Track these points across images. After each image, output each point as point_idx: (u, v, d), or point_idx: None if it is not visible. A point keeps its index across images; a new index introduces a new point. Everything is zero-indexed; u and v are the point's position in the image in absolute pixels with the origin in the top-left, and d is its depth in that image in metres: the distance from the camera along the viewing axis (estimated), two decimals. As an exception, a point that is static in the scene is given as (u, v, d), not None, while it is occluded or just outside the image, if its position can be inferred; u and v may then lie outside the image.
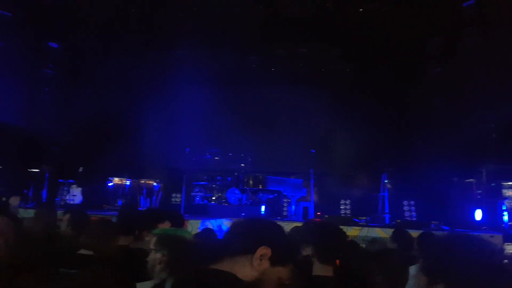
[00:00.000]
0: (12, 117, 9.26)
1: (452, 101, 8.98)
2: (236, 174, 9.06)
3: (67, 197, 8.72)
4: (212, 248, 1.36)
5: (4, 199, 6.20)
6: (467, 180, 8.39)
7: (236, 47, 10.12)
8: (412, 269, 2.06)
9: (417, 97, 9.43)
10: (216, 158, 9.20)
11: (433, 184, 8.46)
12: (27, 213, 6.44)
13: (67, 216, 3.43)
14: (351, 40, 9.26)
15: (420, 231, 5.43)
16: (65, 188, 8.89)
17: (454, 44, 8.81)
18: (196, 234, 3.88)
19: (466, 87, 8.54)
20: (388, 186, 7.90)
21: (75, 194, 8.69)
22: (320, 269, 2.31)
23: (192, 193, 9.29)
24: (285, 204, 9.36)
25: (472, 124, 8.16)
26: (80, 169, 8.82)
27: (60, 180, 8.94)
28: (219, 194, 9.21)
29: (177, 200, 9.67)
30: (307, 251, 2.44)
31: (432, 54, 9.19)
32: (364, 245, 3.94)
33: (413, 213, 8.74)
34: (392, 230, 4.62)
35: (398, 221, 7.76)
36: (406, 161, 9.10)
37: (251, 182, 8.60)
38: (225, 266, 1.29)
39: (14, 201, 5.31)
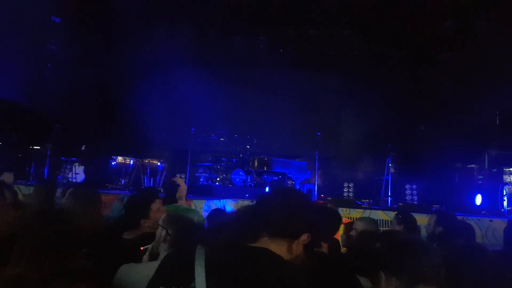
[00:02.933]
0: (14, 94, 9.15)
1: (457, 86, 8.96)
2: (241, 155, 9.05)
3: (70, 175, 8.71)
4: (250, 226, 1.33)
5: None
6: (469, 166, 8.45)
7: (244, 28, 9.97)
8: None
9: (423, 82, 9.40)
10: (221, 139, 9.16)
11: (436, 168, 8.53)
12: (28, 191, 6.45)
13: (76, 192, 3.36)
14: (359, 22, 9.14)
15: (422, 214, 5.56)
16: (68, 166, 8.87)
17: (463, 29, 8.72)
18: (210, 213, 3.92)
19: (471, 73, 8.51)
20: (392, 170, 7.95)
21: (78, 173, 8.68)
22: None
23: (197, 174, 9.30)
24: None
25: (476, 110, 8.16)
26: (83, 147, 8.78)
27: (63, 158, 8.91)
28: (224, 175, 9.22)
29: (181, 180, 9.66)
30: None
31: (440, 38, 9.09)
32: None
33: (415, 197, 8.85)
34: (395, 212, 4.68)
35: (400, 204, 7.87)
36: (410, 146, 9.14)
37: (256, 163, 8.62)
38: (261, 245, 1.29)
39: (7, 177, 5.01)
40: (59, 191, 4.23)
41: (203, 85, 9.30)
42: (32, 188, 6.54)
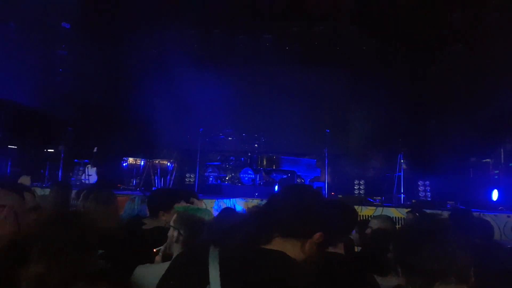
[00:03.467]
0: (27, 99, 9.33)
1: (471, 80, 8.76)
2: (249, 154, 9.05)
3: (83, 177, 8.84)
4: (262, 227, 1.31)
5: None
6: (484, 160, 8.27)
7: (251, 26, 9.94)
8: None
9: (434, 75, 9.23)
10: (229, 138, 9.18)
11: (450, 164, 8.37)
12: (43, 193, 6.56)
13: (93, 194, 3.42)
14: (367, 17, 9.02)
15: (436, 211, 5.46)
16: (81, 168, 9.01)
17: (475, 20, 8.53)
18: (220, 212, 3.92)
19: (484, 65, 8.31)
20: (404, 166, 7.83)
21: (91, 174, 8.79)
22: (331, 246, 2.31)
23: (206, 173, 9.34)
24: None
25: (490, 103, 7.98)
26: (95, 149, 8.90)
27: (76, 160, 9.05)
28: (233, 174, 9.23)
29: (191, 180, 9.74)
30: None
31: (451, 31, 8.91)
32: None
33: (428, 193, 8.71)
34: (408, 210, 4.60)
35: (414, 201, 7.75)
36: (422, 141, 8.98)
37: (264, 162, 8.59)
38: (277, 246, 1.27)
39: (24, 180, 5.09)
40: (74, 192, 4.31)
41: (211, 85, 9.32)
42: (47, 190, 6.66)
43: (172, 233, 2.19)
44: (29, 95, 9.26)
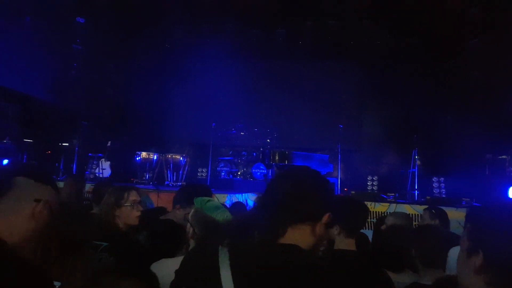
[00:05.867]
0: (43, 93, 9.47)
1: (487, 74, 8.58)
2: (261, 149, 9.03)
3: (97, 171, 8.94)
4: (273, 220, 1.26)
5: None
6: (501, 157, 8.11)
7: (263, 20, 9.89)
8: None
9: (449, 70, 9.07)
10: (241, 133, 9.17)
11: (465, 160, 8.23)
12: (59, 186, 6.66)
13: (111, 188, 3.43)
14: (380, 11, 8.89)
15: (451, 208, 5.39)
16: (95, 162, 9.12)
17: (492, 15, 8.33)
18: (231, 207, 3.93)
19: (502, 60, 8.12)
20: (418, 162, 7.73)
21: (104, 168, 8.89)
22: (342, 243, 2.28)
23: (218, 168, 9.36)
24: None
25: (507, 99, 7.81)
26: (109, 143, 8.99)
27: (90, 154, 9.16)
28: (245, 169, 9.23)
29: (203, 174, 9.78)
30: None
31: (467, 24, 8.72)
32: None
33: (443, 190, 8.58)
34: (425, 207, 4.54)
35: (428, 197, 7.65)
36: (437, 137, 8.83)
37: (276, 157, 8.57)
38: (288, 237, 1.24)
39: None
40: (88, 186, 4.36)
41: (223, 80, 9.32)
42: (61, 183, 6.75)
43: (188, 229, 2.19)
44: (45, 89, 9.41)
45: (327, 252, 2.38)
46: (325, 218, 1.26)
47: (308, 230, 1.25)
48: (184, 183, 8.31)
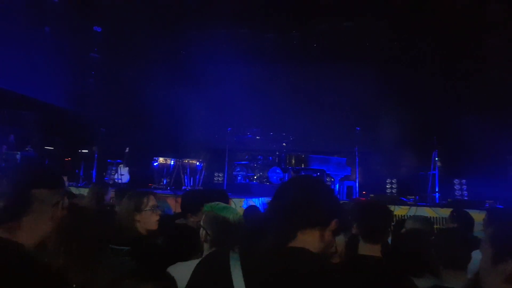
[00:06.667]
0: (62, 101, 9.69)
1: (508, 74, 8.34)
2: (277, 153, 9.00)
3: (115, 176, 9.06)
4: (283, 224, 1.30)
5: None
6: (524, 158, 7.87)
7: (276, 24, 9.88)
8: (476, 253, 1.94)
9: (471, 70, 8.85)
10: (257, 137, 9.17)
11: (487, 162, 8.02)
12: (78, 192, 6.77)
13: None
14: (396, 11, 8.76)
15: (474, 211, 5.22)
16: (113, 168, 9.25)
17: (511, 13, 8.10)
18: (246, 210, 3.92)
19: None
20: (438, 164, 7.55)
21: (123, 174, 9.00)
22: (366, 249, 2.22)
23: (234, 172, 9.37)
24: (328, 183, 9.19)
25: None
26: (127, 150, 9.11)
27: (109, 160, 9.30)
28: (261, 173, 9.21)
29: (220, 179, 9.80)
30: (353, 229, 2.37)
31: (488, 23, 8.51)
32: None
33: (465, 192, 8.35)
34: (450, 210, 4.42)
35: (449, 200, 7.46)
36: (458, 138, 8.62)
37: (293, 161, 8.50)
38: (298, 241, 1.26)
39: None
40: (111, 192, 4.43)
41: (238, 84, 9.33)
42: (82, 190, 6.88)
43: (201, 232, 2.23)
44: (64, 97, 9.62)
45: (346, 257, 2.34)
46: (333, 224, 1.29)
47: (317, 235, 1.28)
48: (201, 187, 8.35)
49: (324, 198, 1.34)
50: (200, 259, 2.14)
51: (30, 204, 1.29)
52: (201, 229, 2.24)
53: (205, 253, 2.20)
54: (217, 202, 2.34)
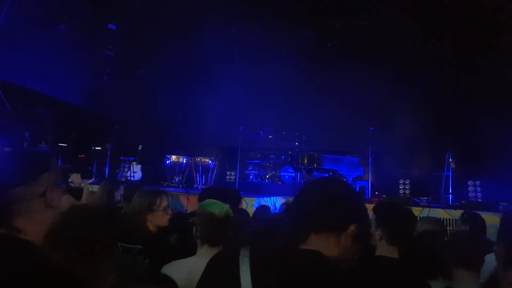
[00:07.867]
0: (76, 98, 9.80)
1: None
2: (290, 152, 8.98)
3: (128, 174, 9.15)
4: (297, 225, 1.29)
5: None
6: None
7: (291, 23, 9.84)
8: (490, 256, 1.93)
9: (485, 70, 8.71)
10: (270, 136, 9.16)
11: (502, 163, 7.89)
12: (91, 189, 6.83)
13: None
14: (411, 9, 8.66)
15: (488, 213, 5.15)
16: (126, 165, 9.33)
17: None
18: (257, 209, 3.93)
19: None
20: (452, 165, 7.46)
21: (136, 171, 9.08)
22: (384, 250, 2.19)
23: (246, 171, 9.38)
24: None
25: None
26: (140, 147, 9.18)
27: (121, 158, 9.39)
28: (273, 172, 9.21)
29: (232, 178, 9.82)
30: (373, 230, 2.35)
31: (503, 23, 8.35)
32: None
33: (479, 194, 8.25)
34: (461, 211, 4.38)
35: (463, 202, 7.37)
36: (472, 139, 8.50)
37: (305, 160, 8.48)
38: (311, 243, 1.24)
39: (75, 178, 5.18)
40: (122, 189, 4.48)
41: (251, 83, 9.33)
42: (94, 186, 6.94)
43: (194, 229, 2.26)
44: (78, 95, 9.73)
45: (362, 257, 2.32)
46: (351, 228, 1.25)
47: (332, 239, 1.25)
48: (213, 186, 8.38)
49: (344, 203, 1.30)
50: (192, 256, 2.20)
51: (12, 205, 1.24)
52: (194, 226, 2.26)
53: (198, 249, 2.23)
54: (209, 199, 2.36)
